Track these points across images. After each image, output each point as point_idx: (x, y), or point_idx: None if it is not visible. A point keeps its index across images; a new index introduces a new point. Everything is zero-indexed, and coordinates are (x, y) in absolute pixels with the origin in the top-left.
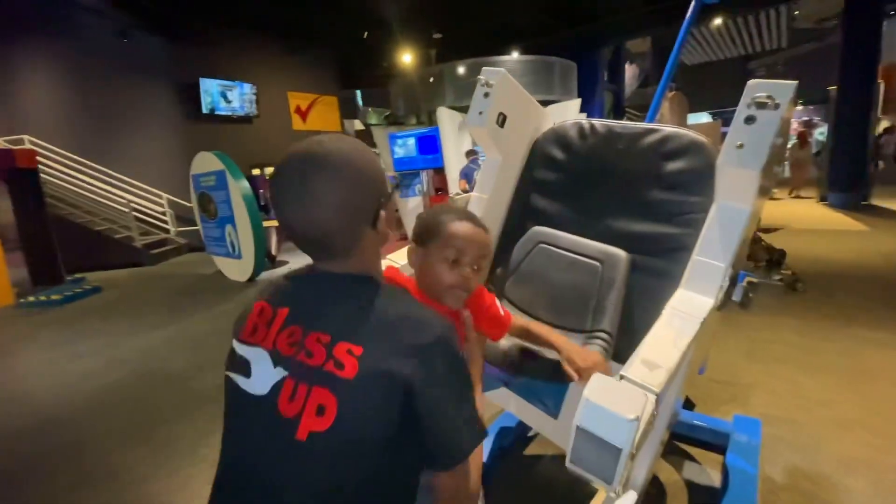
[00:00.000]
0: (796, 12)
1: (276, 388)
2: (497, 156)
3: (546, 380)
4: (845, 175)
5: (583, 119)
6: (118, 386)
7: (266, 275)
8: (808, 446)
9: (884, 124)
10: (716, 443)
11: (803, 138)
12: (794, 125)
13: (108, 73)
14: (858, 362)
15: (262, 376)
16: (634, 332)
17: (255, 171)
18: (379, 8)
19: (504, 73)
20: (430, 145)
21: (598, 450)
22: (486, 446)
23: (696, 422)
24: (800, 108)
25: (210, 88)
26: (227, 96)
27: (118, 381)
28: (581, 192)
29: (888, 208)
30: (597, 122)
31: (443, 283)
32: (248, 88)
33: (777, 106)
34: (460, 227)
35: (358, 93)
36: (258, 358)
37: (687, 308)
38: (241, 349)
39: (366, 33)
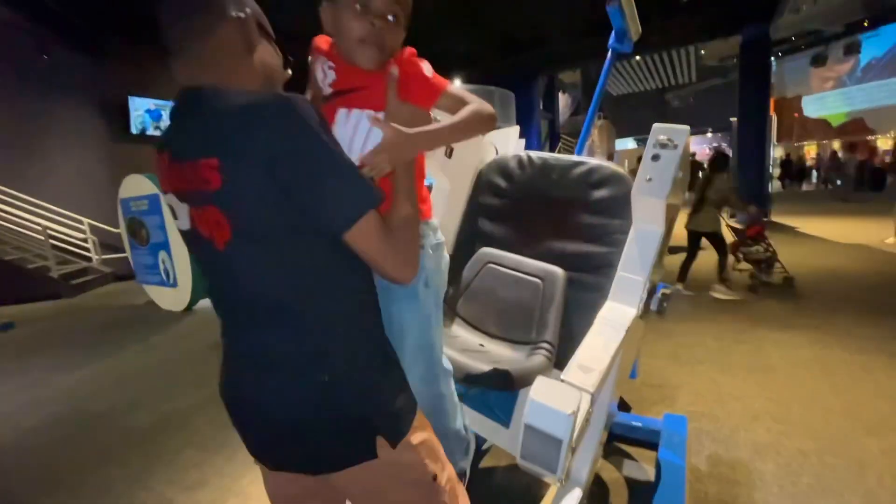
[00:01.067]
0: (702, 51)
1: (191, 219)
2: (445, 183)
3: (498, 389)
4: (748, 195)
5: (521, 152)
6: (37, 431)
7: (205, 303)
8: (726, 437)
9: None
10: (650, 440)
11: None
12: (707, 151)
13: (25, 91)
14: (763, 359)
15: (182, 214)
16: (573, 341)
17: None
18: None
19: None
20: None
21: (543, 444)
22: None
23: (631, 422)
24: (709, 134)
25: (140, 107)
26: (160, 116)
27: (37, 426)
28: (522, 216)
29: (787, 224)
30: (533, 154)
31: (352, 37)
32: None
33: (676, 146)
34: None
35: None
36: (174, 201)
37: (614, 317)
38: (166, 199)
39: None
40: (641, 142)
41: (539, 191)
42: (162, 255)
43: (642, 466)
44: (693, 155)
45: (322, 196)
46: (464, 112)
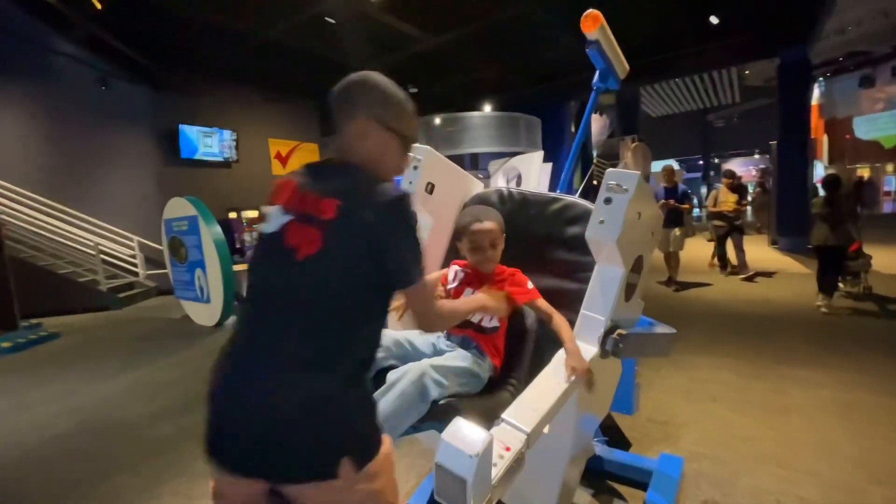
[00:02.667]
0: (746, 72)
1: (284, 227)
2: (429, 218)
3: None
4: (790, 220)
5: (503, 187)
6: (66, 437)
7: (234, 320)
8: (726, 481)
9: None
10: (642, 480)
11: (763, 185)
12: (753, 172)
13: (86, 119)
14: (783, 399)
15: (275, 221)
16: None
17: (232, 215)
18: (358, 65)
19: (430, 150)
20: None
21: (451, 483)
22: (423, 492)
23: (625, 461)
24: (756, 156)
25: (189, 134)
26: (206, 142)
27: (67, 431)
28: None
29: None
30: (514, 190)
31: (471, 260)
32: (227, 135)
33: (626, 190)
34: (473, 226)
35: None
36: (274, 211)
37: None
38: (265, 209)
39: None
40: (684, 164)
41: (518, 226)
42: (198, 272)
43: None
44: (739, 178)
45: (400, 263)
46: (564, 330)
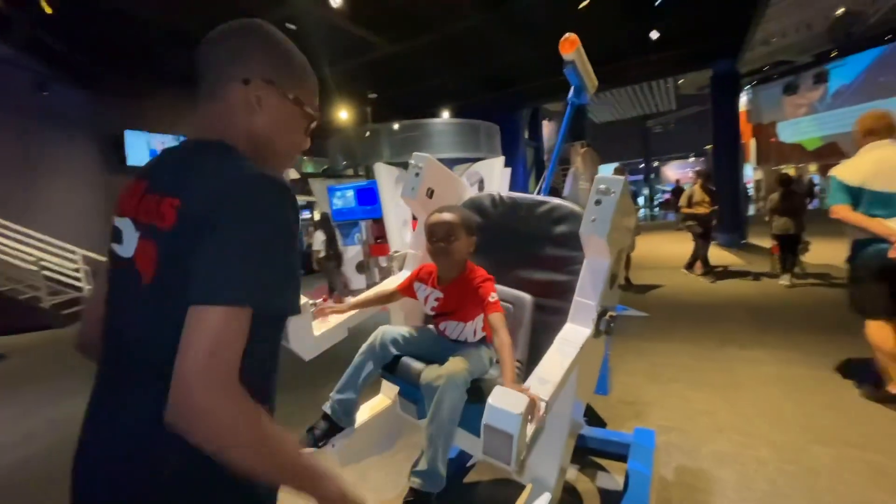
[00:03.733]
0: (680, 81)
1: (137, 249)
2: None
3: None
4: (726, 218)
5: (494, 191)
6: (27, 463)
7: None
8: (692, 448)
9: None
10: (621, 453)
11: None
12: (690, 174)
13: (22, 125)
14: (732, 377)
15: (128, 241)
16: (539, 360)
17: None
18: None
19: (430, 158)
20: (368, 197)
21: (499, 440)
22: None
23: (604, 437)
24: (691, 159)
25: (136, 141)
26: (155, 148)
27: (27, 457)
28: (495, 248)
29: (762, 246)
30: (504, 194)
31: (436, 261)
32: (177, 140)
33: (613, 193)
34: (430, 218)
35: None
36: (125, 226)
37: (570, 337)
38: (116, 221)
39: None
40: (627, 167)
41: (509, 226)
42: None
43: (613, 477)
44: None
45: (211, 266)
46: (505, 350)
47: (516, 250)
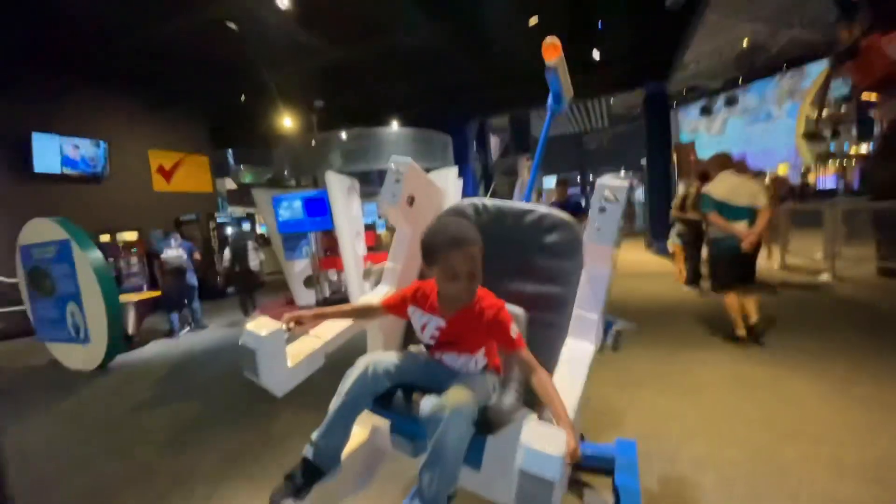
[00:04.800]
0: (612, 101)
1: None
2: (408, 229)
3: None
4: (660, 226)
5: (476, 200)
6: None
7: (123, 359)
8: (671, 454)
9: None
10: (606, 467)
11: None
12: None
13: None
14: (693, 378)
15: None
16: None
17: (104, 238)
18: (256, 73)
19: (411, 162)
20: (318, 208)
21: (538, 487)
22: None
23: (588, 452)
24: (622, 173)
25: (46, 145)
26: (69, 154)
27: None
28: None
29: None
30: (488, 202)
31: (450, 292)
32: (95, 145)
33: (618, 200)
34: (453, 251)
35: (230, 151)
36: None
37: (577, 355)
38: None
39: (242, 96)
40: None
41: (495, 236)
42: (71, 307)
43: (600, 494)
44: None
45: None
46: (550, 388)
47: (504, 261)
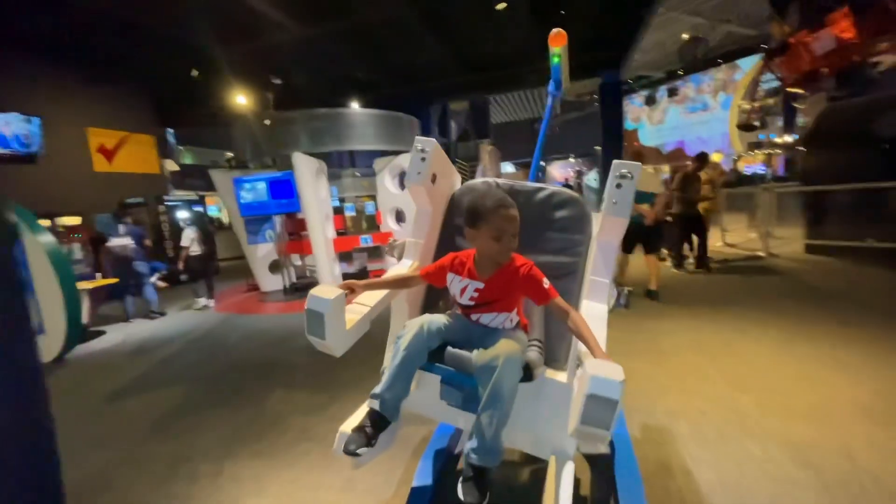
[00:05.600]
0: None
1: None
2: (429, 207)
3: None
4: None
5: (489, 179)
6: None
7: (81, 349)
8: (647, 408)
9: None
10: None
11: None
12: (570, 173)
13: None
14: (658, 345)
15: None
16: (552, 338)
17: (43, 223)
18: (208, 46)
19: (434, 142)
20: (283, 190)
21: (602, 408)
22: (425, 470)
23: None
24: (571, 160)
25: None
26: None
27: None
28: None
29: None
30: (500, 181)
31: (492, 253)
32: (27, 121)
33: (632, 177)
34: (502, 212)
35: (170, 131)
36: None
37: (595, 312)
38: None
39: (195, 71)
40: (519, 166)
41: None
42: None
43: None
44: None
45: None
46: (584, 327)
47: (519, 236)
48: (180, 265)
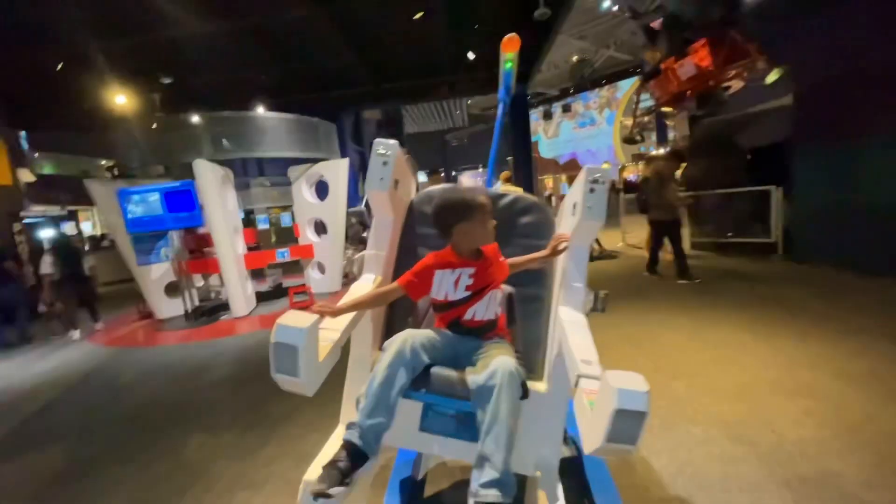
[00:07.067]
0: (469, 102)
1: None
2: (391, 216)
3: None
4: None
5: (448, 186)
6: None
7: None
8: None
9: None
10: None
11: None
12: (480, 182)
13: None
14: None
15: None
16: (529, 346)
17: None
18: (80, 36)
19: (397, 144)
20: (182, 202)
21: (631, 422)
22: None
23: None
24: (480, 169)
25: None
26: None
27: None
28: None
29: None
30: (460, 187)
31: (479, 240)
32: None
33: (604, 182)
34: (480, 200)
35: (23, 134)
36: None
37: (573, 318)
38: None
39: (61, 65)
40: (428, 174)
41: None
42: None
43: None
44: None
45: None
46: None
47: None
48: (44, 296)
